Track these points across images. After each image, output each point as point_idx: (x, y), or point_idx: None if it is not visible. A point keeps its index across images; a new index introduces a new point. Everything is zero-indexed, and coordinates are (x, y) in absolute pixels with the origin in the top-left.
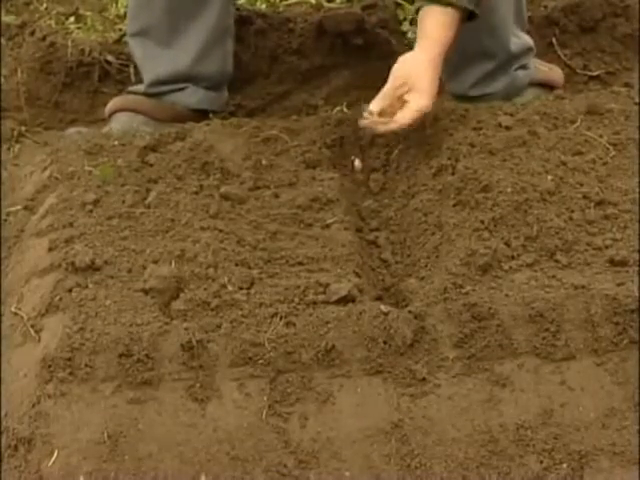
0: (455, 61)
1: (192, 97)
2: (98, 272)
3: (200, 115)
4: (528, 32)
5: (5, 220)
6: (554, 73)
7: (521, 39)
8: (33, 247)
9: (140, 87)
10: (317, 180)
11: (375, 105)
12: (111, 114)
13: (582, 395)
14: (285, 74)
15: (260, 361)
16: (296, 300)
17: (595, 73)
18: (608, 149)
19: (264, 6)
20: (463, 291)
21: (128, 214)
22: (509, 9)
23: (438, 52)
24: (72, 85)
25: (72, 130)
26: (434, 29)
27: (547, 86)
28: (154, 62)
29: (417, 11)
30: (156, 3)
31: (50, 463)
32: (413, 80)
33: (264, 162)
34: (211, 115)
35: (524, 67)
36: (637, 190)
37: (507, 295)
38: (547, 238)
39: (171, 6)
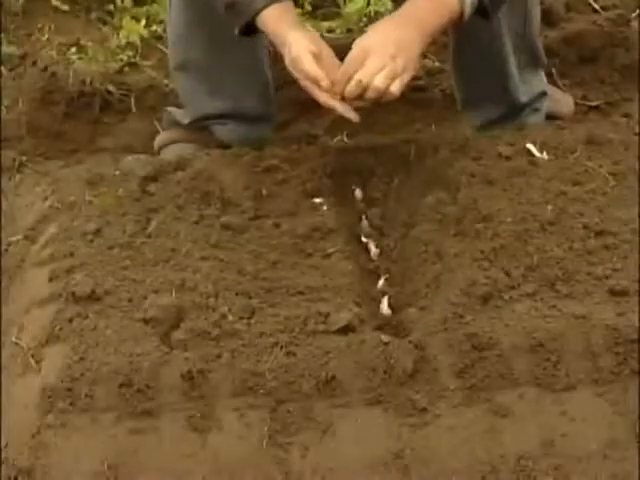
0: (460, 104)
1: (233, 134)
2: (98, 302)
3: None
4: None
5: (6, 250)
6: (563, 105)
7: (534, 85)
8: (34, 277)
9: (179, 110)
10: (318, 210)
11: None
12: (160, 148)
13: (583, 426)
14: (285, 103)
15: (260, 391)
16: (296, 330)
17: (594, 103)
18: (608, 179)
19: None
20: (463, 321)
21: (129, 244)
22: (517, 52)
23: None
24: (73, 115)
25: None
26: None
27: (555, 118)
28: (195, 98)
29: None
30: (194, 39)
31: None
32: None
33: (264, 192)
34: None
35: (536, 110)
36: (637, 220)
37: (507, 325)
38: (547, 268)
39: (209, 41)
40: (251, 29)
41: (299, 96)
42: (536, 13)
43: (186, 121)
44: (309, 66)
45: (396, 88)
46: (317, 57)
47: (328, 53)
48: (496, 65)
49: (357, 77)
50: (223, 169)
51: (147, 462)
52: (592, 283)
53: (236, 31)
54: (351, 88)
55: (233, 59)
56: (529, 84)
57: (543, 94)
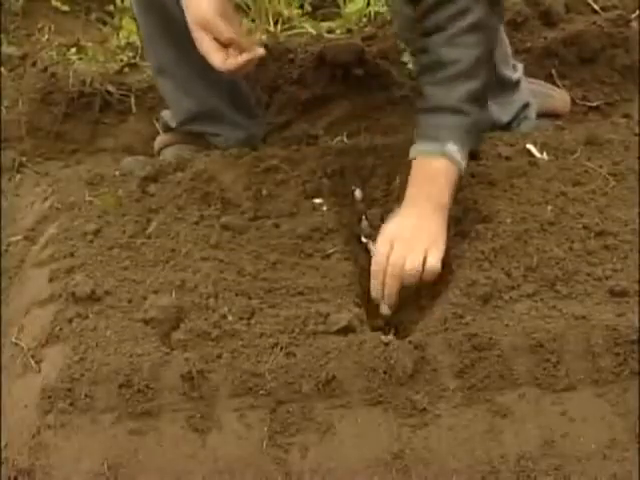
0: None
1: (220, 137)
2: (98, 302)
3: None
4: (526, 65)
5: (6, 250)
6: (559, 101)
7: (513, 104)
8: (34, 277)
9: (169, 113)
10: (317, 210)
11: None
12: (159, 150)
13: (583, 426)
14: (285, 104)
15: (260, 391)
16: (296, 330)
17: (594, 104)
18: (608, 180)
19: (264, 36)
20: (463, 321)
21: (129, 244)
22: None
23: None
24: (73, 115)
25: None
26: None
27: (552, 115)
28: (176, 101)
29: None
30: (161, 43)
31: None
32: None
33: (264, 192)
34: None
35: (525, 117)
36: (637, 221)
37: (507, 325)
38: (547, 268)
39: (175, 45)
40: None
41: (299, 96)
42: (499, 42)
43: (173, 124)
44: (224, 30)
45: (434, 260)
46: (222, 15)
47: (229, 8)
48: None
49: (389, 271)
50: (223, 170)
51: (147, 462)
52: (592, 283)
53: None
54: (389, 282)
55: (198, 62)
56: (505, 106)
57: (526, 105)
